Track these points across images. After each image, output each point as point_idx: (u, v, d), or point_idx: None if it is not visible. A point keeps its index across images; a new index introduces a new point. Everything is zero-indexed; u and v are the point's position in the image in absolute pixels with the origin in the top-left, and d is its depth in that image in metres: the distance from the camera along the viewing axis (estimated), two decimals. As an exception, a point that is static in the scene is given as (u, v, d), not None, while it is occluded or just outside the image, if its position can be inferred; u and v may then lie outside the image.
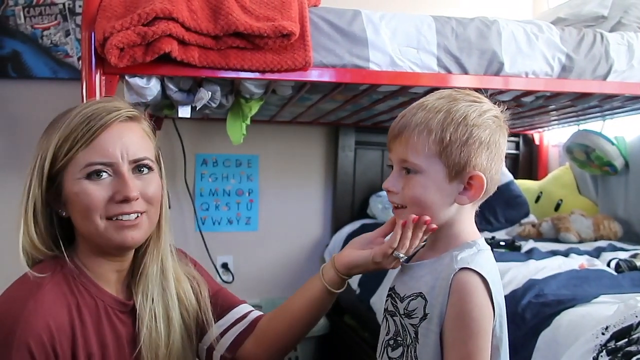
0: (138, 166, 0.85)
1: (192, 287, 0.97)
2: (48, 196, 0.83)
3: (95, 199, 0.80)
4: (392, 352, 0.79)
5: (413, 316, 0.75)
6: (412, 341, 0.75)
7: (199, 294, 0.98)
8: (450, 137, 0.72)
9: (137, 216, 0.84)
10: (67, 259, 0.83)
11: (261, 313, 1.02)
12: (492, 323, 0.71)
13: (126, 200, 0.81)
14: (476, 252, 0.74)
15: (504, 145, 0.79)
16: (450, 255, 0.74)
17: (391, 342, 0.79)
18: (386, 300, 0.84)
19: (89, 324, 0.82)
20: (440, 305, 0.71)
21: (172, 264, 0.94)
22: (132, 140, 0.84)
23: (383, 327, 0.83)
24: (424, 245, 0.84)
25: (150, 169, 0.87)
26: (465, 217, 0.78)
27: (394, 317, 0.80)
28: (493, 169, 0.76)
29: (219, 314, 0.99)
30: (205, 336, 0.98)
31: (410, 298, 0.76)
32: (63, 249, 0.83)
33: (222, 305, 1.00)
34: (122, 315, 0.88)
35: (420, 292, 0.74)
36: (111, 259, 0.87)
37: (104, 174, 0.81)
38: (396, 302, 0.80)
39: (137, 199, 0.83)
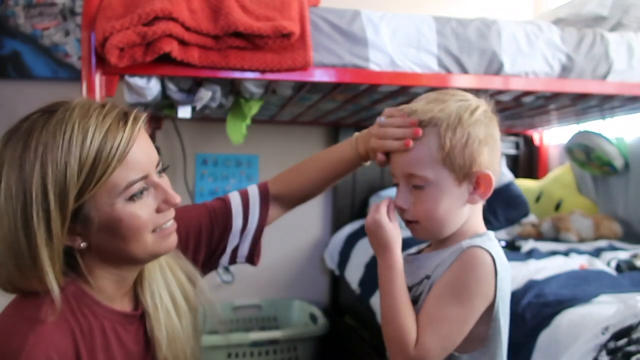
0: (159, 170, 0.78)
1: (184, 270, 0.92)
2: (71, 231, 0.70)
3: (146, 218, 0.73)
4: None
5: (420, 301, 0.74)
6: None
7: (193, 273, 0.93)
8: (450, 142, 0.72)
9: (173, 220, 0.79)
10: (69, 282, 0.74)
11: (256, 185, 1.05)
12: (484, 305, 0.69)
13: (172, 207, 0.76)
14: (487, 240, 0.74)
15: (498, 136, 0.79)
16: (460, 245, 0.73)
17: None
18: None
19: (98, 349, 0.75)
20: (438, 276, 0.71)
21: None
22: (149, 144, 0.76)
23: None
24: (429, 245, 0.84)
25: (164, 168, 0.80)
26: (474, 213, 0.78)
27: None
28: (495, 162, 0.76)
29: (224, 227, 0.98)
30: (223, 255, 0.99)
31: (416, 284, 0.76)
32: (69, 274, 0.74)
33: (220, 218, 0.98)
34: (130, 329, 0.81)
35: (426, 276, 0.74)
36: (128, 276, 0.80)
37: (145, 190, 0.73)
38: None
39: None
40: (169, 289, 0.87)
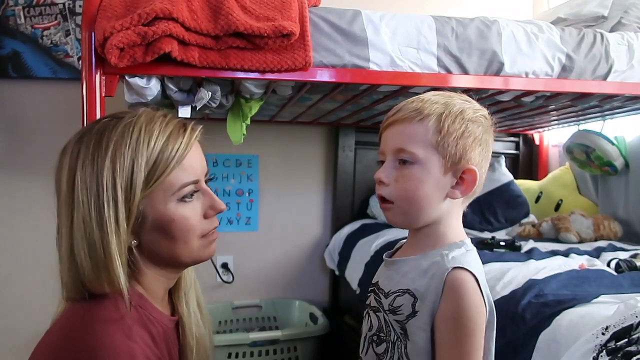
0: (207, 179, 0.85)
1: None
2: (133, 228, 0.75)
3: (194, 222, 0.78)
4: (376, 348, 0.79)
5: (398, 312, 0.74)
6: (397, 338, 0.74)
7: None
8: (448, 128, 0.73)
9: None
10: (132, 288, 0.76)
11: None
12: (485, 321, 0.72)
13: (218, 213, 0.81)
14: (465, 252, 0.74)
15: (492, 147, 0.80)
16: (439, 254, 0.74)
17: (374, 337, 0.79)
18: (368, 296, 0.84)
19: (165, 354, 0.79)
20: (432, 303, 0.71)
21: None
22: (201, 154, 0.84)
23: (365, 323, 0.83)
24: (405, 242, 0.84)
25: (211, 179, 0.87)
26: (453, 215, 0.78)
27: (377, 313, 0.80)
28: (483, 167, 0.77)
29: None
30: None
31: (396, 294, 0.76)
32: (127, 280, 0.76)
33: None
34: (172, 334, 0.85)
35: (408, 289, 0.74)
36: (171, 278, 0.85)
37: (194, 193, 0.79)
38: (380, 298, 0.79)
39: None
40: (198, 298, 0.92)
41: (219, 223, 0.85)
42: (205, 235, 0.81)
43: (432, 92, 0.80)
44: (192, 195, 0.79)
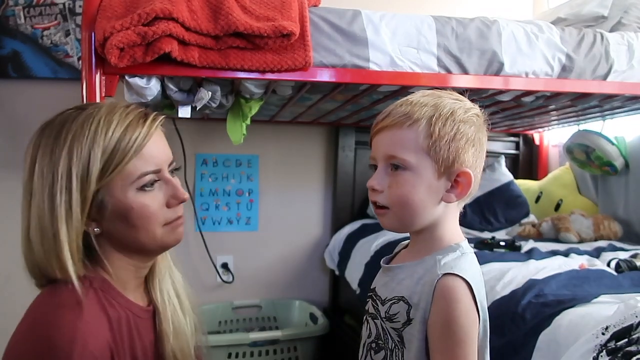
0: (172, 169, 0.86)
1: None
2: (87, 215, 0.77)
3: (154, 210, 0.80)
4: (375, 355, 0.77)
5: (395, 320, 0.73)
6: (395, 345, 0.73)
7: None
8: (439, 132, 0.71)
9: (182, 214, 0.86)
10: (95, 274, 0.79)
11: None
12: (478, 328, 0.70)
13: (181, 203, 0.83)
14: (459, 256, 0.73)
15: (486, 145, 0.78)
16: (434, 259, 0.72)
17: (373, 345, 0.78)
18: (367, 302, 0.83)
19: (124, 339, 0.80)
20: (423, 310, 0.70)
21: (168, 253, 0.95)
22: (165, 143, 0.85)
23: (364, 329, 0.82)
24: (406, 246, 0.83)
25: (177, 169, 0.88)
26: (450, 218, 0.77)
27: (375, 320, 0.79)
28: (478, 168, 0.75)
29: None
30: None
31: (391, 301, 0.75)
32: (88, 265, 0.80)
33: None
34: (146, 323, 0.86)
35: (402, 297, 0.73)
36: (141, 266, 0.86)
37: (155, 182, 0.81)
38: (377, 305, 0.78)
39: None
40: (175, 287, 0.93)
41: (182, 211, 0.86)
42: (168, 223, 0.82)
43: (422, 93, 0.77)
44: (152, 184, 0.80)
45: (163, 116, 0.85)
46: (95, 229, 0.79)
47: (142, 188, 0.79)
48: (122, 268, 0.83)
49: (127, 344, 0.80)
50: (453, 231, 0.77)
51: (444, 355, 0.68)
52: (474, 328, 0.69)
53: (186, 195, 0.83)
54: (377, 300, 0.79)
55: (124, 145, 0.76)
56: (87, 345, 0.71)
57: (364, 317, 0.83)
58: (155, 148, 0.81)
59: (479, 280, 0.72)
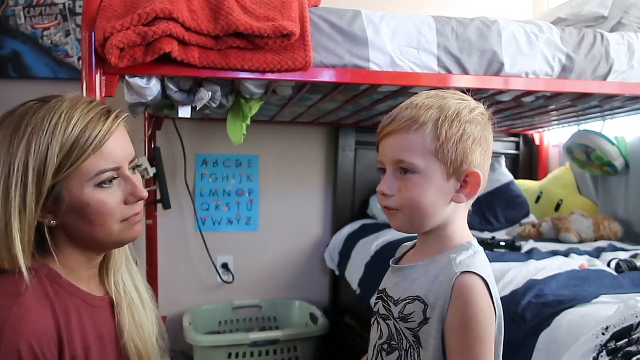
0: (133, 166, 0.86)
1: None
2: (42, 207, 0.77)
3: (111, 206, 0.80)
4: (387, 357, 0.77)
5: (410, 320, 0.73)
6: (410, 345, 0.73)
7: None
8: (445, 134, 0.72)
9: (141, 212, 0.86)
10: (41, 264, 0.80)
11: None
12: (495, 325, 0.71)
13: (139, 200, 0.83)
14: (473, 254, 0.73)
15: (492, 143, 0.78)
16: (447, 258, 0.73)
17: (385, 346, 0.78)
18: (376, 303, 0.82)
19: (73, 326, 0.80)
20: (441, 308, 0.70)
21: (127, 246, 0.95)
22: (127, 141, 0.85)
23: (374, 331, 0.81)
24: (412, 246, 0.83)
25: (138, 166, 0.88)
26: (459, 217, 0.77)
27: (387, 321, 0.78)
28: (485, 166, 0.76)
29: None
30: None
31: (405, 301, 0.74)
32: (36, 256, 0.80)
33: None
34: (102, 313, 0.87)
35: (417, 296, 0.73)
36: (94, 257, 0.87)
37: (114, 179, 0.81)
38: (389, 305, 0.78)
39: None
40: (133, 280, 0.94)
41: (143, 208, 0.87)
42: (125, 219, 0.82)
43: (425, 94, 0.77)
44: (111, 181, 0.80)
45: (126, 114, 0.85)
46: (52, 222, 0.79)
47: (99, 185, 0.79)
48: (74, 258, 0.83)
49: (76, 330, 0.80)
50: (462, 230, 0.78)
51: (463, 353, 0.69)
52: (492, 325, 0.70)
53: (144, 193, 0.84)
54: (389, 301, 0.78)
55: (82, 142, 0.76)
56: (20, 328, 0.72)
57: (373, 319, 0.82)
58: (115, 145, 0.80)
59: (492, 277, 0.73)
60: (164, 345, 1.00)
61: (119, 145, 0.81)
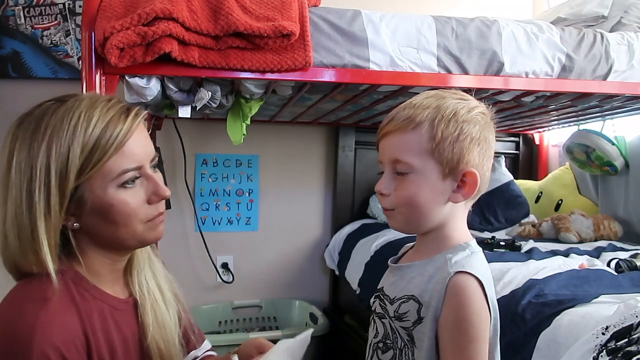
0: (154, 165, 0.84)
1: (162, 267, 0.99)
2: (66, 210, 0.76)
3: (135, 207, 0.78)
4: (382, 355, 0.78)
5: (404, 319, 0.73)
6: (405, 344, 0.73)
7: (170, 276, 0.99)
8: (442, 134, 0.72)
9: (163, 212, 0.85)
10: (67, 267, 0.79)
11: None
12: (489, 327, 0.70)
13: (162, 200, 0.82)
14: (470, 255, 0.73)
15: (493, 142, 0.77)
16: (444, 258, 0.73)
17: (380, 344, 0.78)
18: (374, 302, 0.83)
19: (98, 330, 0.79)
20: (434, 308, 0.70)
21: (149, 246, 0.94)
22: (147, 139, 0.83)
23: (371, 329, 0.82)
24: (412, 246, 0.83)
25: (158, 165, 0.86)
26: (458, 218, 0.77)
27: (382, 320, 0.79)
28: (485, 166, 0.75)
29: (192, 346, 1.01)
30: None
31: (401, 300, 0.75)
32: (63, 258, 0.79)
33: (197, 337, 1.02)
34: (126, 315, 0.86)
35: (412, 295, 0.73)
36: (117, 260, 0.85)
37: (137, 179, 0.79)
38: (385, 304, 0.78)
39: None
40: (156, 279, 0.93)
41: (165, 208, 0.86)
42: (149, 220, 0.81)
43: (426, 94, 0.77)
44: (133, 181, 0.78)
45: (145, 111, 0.83)
46: (74, 224, 0.78)
47: (122, 185, 0.77)
48: (98, 261, 0.82)
49: (101, 335, 0.79)
50: (461, 230, 0.77)
51: (455, 353, 0.68)
52: (486, 326, 0.70)
53: (167, 192, 0.82)
54: (385, 300, 0.79)
55: (104, 142, 0.74)
56: (48, 334, 0.70)
57: (371, 317, 0.83)
58: (136, 144, 0.78)
59: (489, 278, 0.73)
60: (184, 350, 0.98)
61: (140, 144, 0.80)
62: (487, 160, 0.76)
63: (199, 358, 1.03)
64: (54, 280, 0.74)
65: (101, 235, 0.79)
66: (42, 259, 0.73)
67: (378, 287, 0.83)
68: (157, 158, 0.84)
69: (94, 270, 0.81)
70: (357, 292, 1.90)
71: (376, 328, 0.80)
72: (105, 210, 0.77)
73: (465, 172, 0.73)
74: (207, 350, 1.05)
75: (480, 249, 0.77)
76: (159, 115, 1.79)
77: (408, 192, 0.73)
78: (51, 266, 0.74)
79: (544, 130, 2.55)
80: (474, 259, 0.73)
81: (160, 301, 0.91)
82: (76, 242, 0.79)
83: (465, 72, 1.37)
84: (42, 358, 0.69)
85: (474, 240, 0.78)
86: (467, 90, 0.81)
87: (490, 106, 0.79)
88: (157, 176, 0.83)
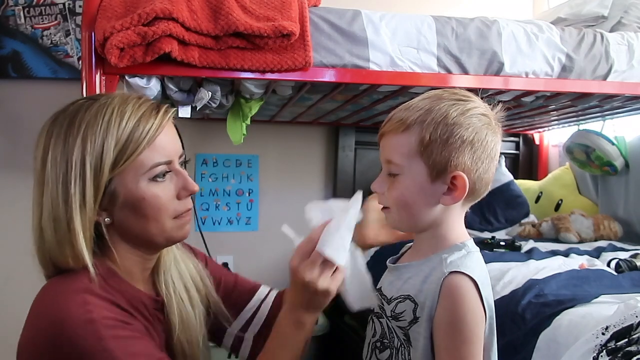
0: (182, 161, 0.86)
1: (193, 265, 0.99)
2: (100, 204, 0.77)
3: (165, 201, 0.80)
4: (380, 354, 0.78)
5: (401, 319, 0.74)
6: (401, 344, 0.74)
7: (202, 272, 1.00)
8: (430, 137, 0.72)
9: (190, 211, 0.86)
10: (100, 262, 0.79)
11: (278, 291, 1.08)
12: (484, 327, 0.70)
13: (191, 195, 0.83)
14: (465, 255, 0.73)
15: (494, 143, 0.77)
16: (439, 258, 0.73)
17: (378, 344, 0.79)
18: None
19: (139, 320, 0.81)
20: (429, 308, 0.70)
21: (175, 247, 0.95)
22: (176, 136, 0.85)
23: (369, 329, 0.82)
24: (410, 247, 0.84)
25: (186, 162, 0.88)
26: (453, 218, 0.76)
27: (380, 319, 0.79)
28: (480, 169, 0.74)
29: (244, 300, 1.03)
30: (233, 322, 1.02)
31: (397, 300, 0.75)
32: (97, 252, 0.80)
33: (244, 291, 1.05)
34: (157, 313, 0.87)
35: (409, 295, 0.73)
36: (147, 258, 0.87)
37: (167, 174, 0.81)
38: (383, 304, 0.79)
39: None
40: (183, 280, 0.94)
41: (193, 206, 0.87)
42: (177, 216, 0.82)
43: (425, 95, 0.77)
44: (164, 175, 0.80)
45: (174, 109, 0.85)
46: (107, 219, 0.79)
47: (153, 179, 0.79)
48: (129, 259, 0.83)
49: (141, 324, 0.80)
50: (457, 231, 0.77)
51: (450, 353, 0.68)
52: (480, 326, 0.69)
53: (196, 187, 0.83)
54: (383, 300, 0.79)
55: (137, 136, 0.76)
56: (104, 314, 0.71)
57: (369, 317, 0.83)
58: (167, 139, 0.81)
59: (485, 278, 0.73)
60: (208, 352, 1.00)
61: (170, 139, 0.82)
62: (483, 163, 0.74)
63: (269, 297, 1.06)
64: (92, 271, 0.75)
65: (132, 230, 0.81)
66: (78, 251, 0.75)
67: (377, 287, 0.83)
68: (184, 155, 0.86)
69: (125, 267, 0.83)
70: (357, 292, 1.89)
71: (374, 327, 0.81)
72: (136, 203, 0.78)
73: (454, 176, 0.72)
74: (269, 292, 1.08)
75: (478, 249, 0.77)
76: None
77: (397, 193, 0.75)
78: (87, 257, 0.75)
79: (544, 130, 2.55)
80: (470, 259, 0.73)
81: (187, 301, 0.92)
82: (108, 238, 0.80)
83: (465, 72, 1.37)
84: (100, 342, 0.70)
85: (472, 240, 0.78)
86: (470, 90, 0.80)
87: (495, 105, 0.78)
88: (185, 172, 0.85)
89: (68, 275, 0.76)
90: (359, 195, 0.79)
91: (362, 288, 0.78)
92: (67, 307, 0.71)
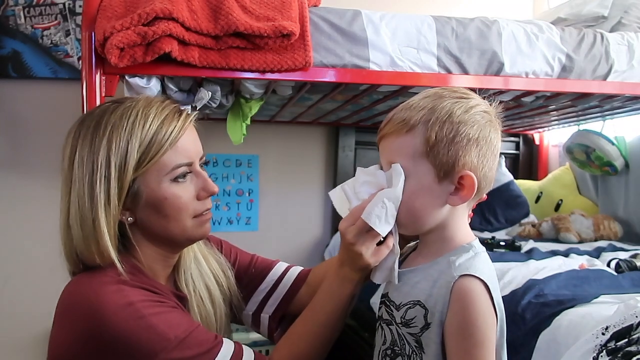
0: (202, 163, 0.89)
1: (217, 262, 1.02)
2: (124, 203, 0.80)
3: (186, 201, 0.83)
4: None
5: (412, 325, 0.72)
6: (413, 351, 0.72)
7: (225, 266, 1.03)
8: (435, 136, 0.70)
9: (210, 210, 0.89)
10: (125, 259, 0.81)
11: (302, 268, 1.09)
12: (495, 330, 0.69)
13: (210, 196, 0.86)
14: (473, 256, 0.72)
15: (497, 141, 0.75)
16: (447, 260, 0.71)
17: (389, 352, 0.77)
18: (380, 308, 0.82)
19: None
20: (440, 313, 0.69)
21: (196, 245, 0.98)
22: (197, 138, 0.88)
23: (379, 336, 0.81)
24: (414, 249, 0.82)
25: (206, 163, 0.92)
26: (458, 218, 0.75)
27: (390, 326, 0.77)
28: (485, 167, 0.73)
29: (258, 279, 1.06)
30: (248, 303, 1.04)
31: (407, 306, 0.73)
32: (122, 250, 0.83)
33: (259, 270, 1.07)
34: (181, 306, 0.89)
35: (419, 301, 0.72)
36: (169, 256, 0.89)
37: (188, 175, 0.84)
38: (391, 310, 0.77)
39: None
40: (203, 279, 0.97)
41: (212, 205, 0.90)
42: (197, 215, 0.85)
43: (424, 93, 0.75)
44: (185, 176, 0.83)
45: (196, 112, 0.89)
46: (129, 218, 0.82)
47: (175, 179, 0.82)
48: (152, 257, 0.86)
49: (174, 302, 0.83)
50: (463, 231, 0.76)
51: (462, 357, 0.67)
52: (492, 329, 0.68)
53: (216, 188, 0.86)
54: (391, 306, 0.77)
55: (160, 138, 0.80)
56: (139, 297, 0.75)
57: (377, 324, 0.82)
58: (188, 142, 0.84)
59: (494, 279, 0.71)
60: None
61: (191, 142, 0.85)
62: (488, 161, 0.73)
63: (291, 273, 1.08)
64: (119, 266, 0.78)
65: (153, 229, 0.84)
66: (103, 247, 0.78)
67: (383, 293, 0.82)
68: (204, 157, 0.89)
69: (148, 265, 0.85)
70: (357, 292, 1.89)
71: (384, 335, 0.79)
72: (159, 203, 0.81)
73: (461, 175, 0.71)
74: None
75: (484, 248, 0.75)
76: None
77: (403, 196, 0.72)
78: (113, 253, 0.78)
79: (544, 130, 2.55)
80: (478, 261, 0.71)
81: (207, 300, 0.95)
82: (132, 236, 0.84)
83: (465, 72, 1.37)
84: (143, 319, 0.73)
85: (477, 240, 0.76)
86: (470, 90, 0.80)
87: (495, 103, 0.77)
88: (205, 174, 0.88)
89: (96, 270, 0.79)
90: (398, 167, 0.73)
91: (388, 262, 0.78)
92: (103, 296, 0.74)
